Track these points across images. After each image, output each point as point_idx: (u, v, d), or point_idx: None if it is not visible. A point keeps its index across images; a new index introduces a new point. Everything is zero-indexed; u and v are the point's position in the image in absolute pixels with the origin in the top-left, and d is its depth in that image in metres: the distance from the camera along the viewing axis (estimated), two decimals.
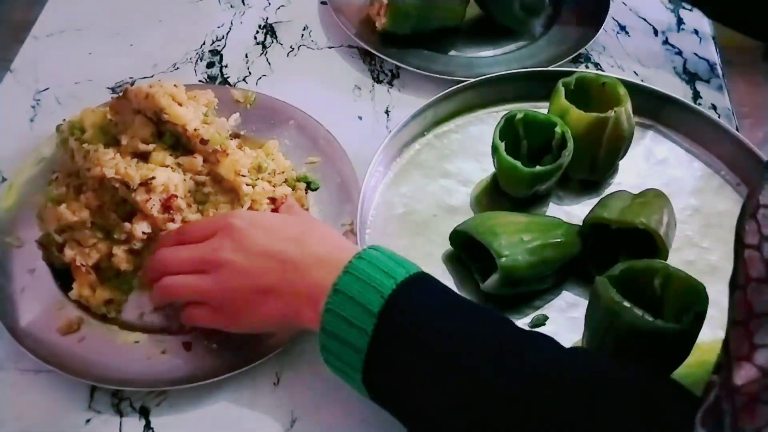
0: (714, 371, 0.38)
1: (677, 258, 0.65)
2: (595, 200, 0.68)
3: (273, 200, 0.66)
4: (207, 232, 0.58)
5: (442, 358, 0.47)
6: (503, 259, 0.60)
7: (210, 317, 0.57)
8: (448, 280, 0.65)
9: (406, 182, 0.73)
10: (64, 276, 0.64)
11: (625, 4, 0.96)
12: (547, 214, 0.70)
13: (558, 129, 0.67)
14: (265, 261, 0.54)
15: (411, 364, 0.47)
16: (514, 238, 0.62)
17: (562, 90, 0.69)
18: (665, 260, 0.60)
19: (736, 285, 0.39)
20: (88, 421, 0.59)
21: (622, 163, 0.74)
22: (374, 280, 0.49)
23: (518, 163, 0.66)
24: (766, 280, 0.37)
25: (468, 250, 0.65)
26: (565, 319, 0.63)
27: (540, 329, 0.63)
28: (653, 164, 0.75)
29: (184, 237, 0.60)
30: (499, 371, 0.45)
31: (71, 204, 0.63)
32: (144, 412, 0.59)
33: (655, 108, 0.77)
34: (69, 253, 0.63)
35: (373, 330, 0.47)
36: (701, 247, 0.68)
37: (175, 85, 0.66)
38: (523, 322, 0.63)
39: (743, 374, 0.36)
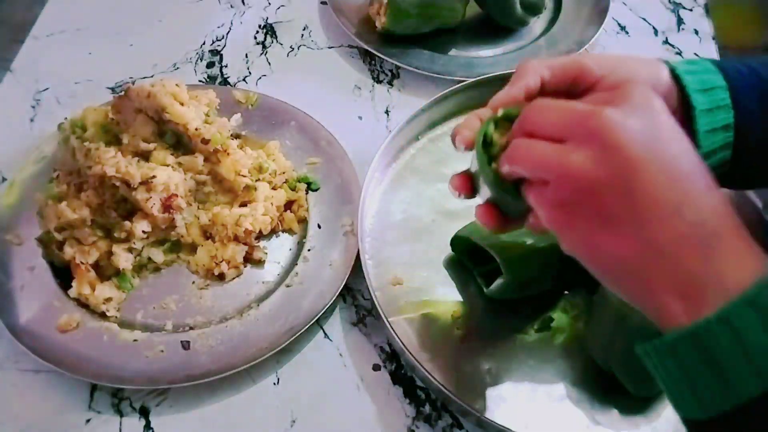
0: None
1: None
2: None
3: None
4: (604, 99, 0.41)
5: None
6: (508, 264, 0.60)
7: (543, 202, 0.41)
8: (450, 286, 0.65)
9: (404, 188, 0.73)
10: (63, 274, 0.65)
11: (625, 4, 0.96)
12: None
13: None
14: (663, 179, 0.37)
15: None
16: (516, 242, 0.62)
17: None
18: None
19: None
20: (88, 421, 0.59)
21: None
22: None
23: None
24: None
25: (470, 255, 0.65)
26: (570, 320, 0.63)
27: (546, 331, 0.63)
28: None
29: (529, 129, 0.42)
30: None
31: (72, 202, 0.63)
32: (144, 412, 0.59)
33: None
34: (69, 251, 0.63)
35: (747, 401, 0.34)
36: None
37: (177, 85, 0.66)
38: (528, 325, 0.63)
39: None
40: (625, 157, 0.37)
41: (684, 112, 0.49)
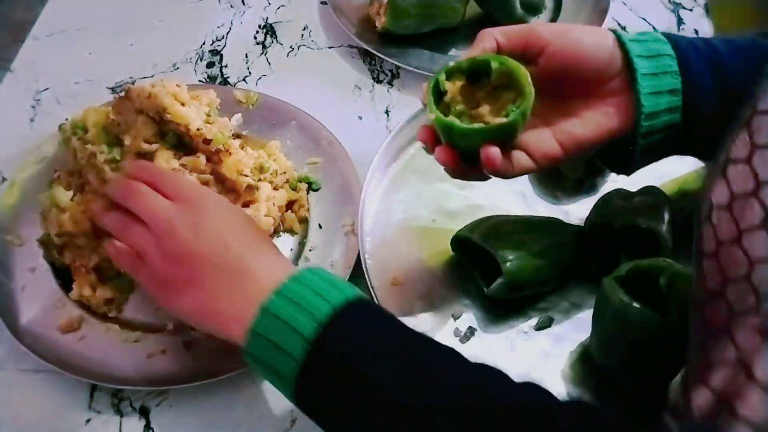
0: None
1: (677, 255, 0.65)
2: (592, 199, 0.68)
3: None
4: (175, 192, 0.56)
5: (375, 392, 0.44)
6: (508, 264, 0.60)
7: (145, 278, 0.55)
8: (450, 286, 0.65)
9: (404, 187, 0.73)
10: (64, 275, 0.65)
11: (625, 4, 0.96)
12: (545, 214, 0.70)
13: (494, 65, 0.51)
14: (210, 248, 0.52)
15: (344, 394, 0.45)
16: (516, 242, 0.62)
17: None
18: (668, 258, 0.60)
19: (697, 304, 0.37)
20: (88, 421, 0.59)
21: None
22: (309, 304, 0.46)
23: (454, 120, 0.51)
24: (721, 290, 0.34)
25: (469, 254, 0.65)
26: (570, 320, 0.63)
27: (546, 331, 0.63)
28: None
29: (153, 180, 0.57)
30: (435, 410, 0.42)
31: (74, 212, 0.63)
32: (144, 412, 0.59)
33: None
34: (68, 255, 0.63)
35: (305, 357, 0.45)
36: None
37: (177, 85, 0.66)
38: (528, 325, 0.63)
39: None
40: (182, 241, 0.53)
41: (629, 76, 0.54)
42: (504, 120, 0.50)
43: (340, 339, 0.45)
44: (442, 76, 0.52)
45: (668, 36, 0.56)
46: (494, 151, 0.50)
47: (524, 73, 0.51)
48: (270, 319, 0.47)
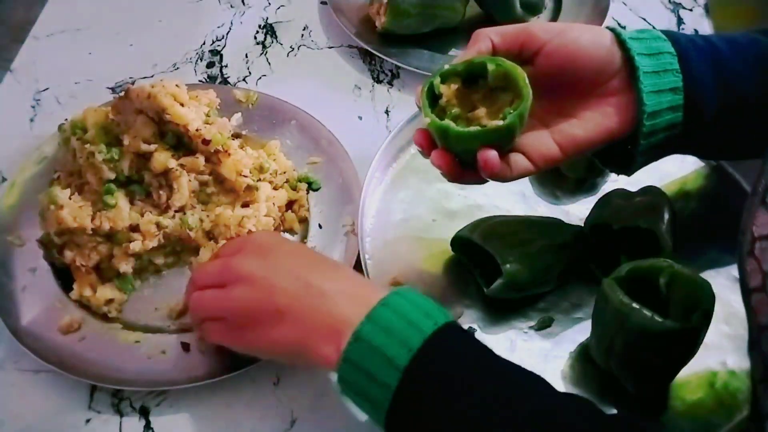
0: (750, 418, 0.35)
1: (677, 255, 0.65)
2: (592, 199, 0.69)
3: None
4: (235, 249, 0.56)
5: (467, 423, 0.43)
6: (508, 264, 0.60)
7: (222, 334, 0.54)
8: (450, 286, 0.66)
9: (404, 187, 0.73)
10: (65, 275, 0.64)
11: (625, 4, 0.96)
12: (545, 214, 0.70)
13: (491, 66, 0.51)
14: (288, 281, 0.51)
15: (434, 425, 0.44)
16: (516, 242, 0.62)
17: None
18: (668, 258, 0.60)
19: (752, 343, 0.35)
20: (88, 421, 0.59)
21: None
22: (401, 332, 0.45)
23: (450, 124, 0.50)
24: None
25: (470, 254, 0.65)
26: (570, 321, 0.63)
27: (546, 331, 0.63)
28: None
29: (216, 254, 0.59)
30: None
31: (73, 208, 0.62)
32: (144, 412, 0.59)
33: None
34: (69, 254, 0.63)
35: (397, 386, 0.44)
36: (701, 243, 0.68)
37: (177, 85, 0.66)
38: (528, 325, 0.63)
39: None
40: (258, 282, 0.51)
41: (629, 74, 0.53)
42: (501, 123, 0.49)
43: (431, 368, 0.45)
44: (437, 80, 0.52)
45: (667, 33, 0.55)
46: (491, 155, 0.49)
47: (521, 75, 0.50)
48: (362, 346, 0.46)
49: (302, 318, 0.49)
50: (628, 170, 0.58)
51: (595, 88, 0.54)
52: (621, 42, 0.53)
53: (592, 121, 0.54)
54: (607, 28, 0.55)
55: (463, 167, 0.52)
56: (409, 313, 0.46)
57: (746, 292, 0.36)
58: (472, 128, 0.50)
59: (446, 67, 0.52)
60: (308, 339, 0.49)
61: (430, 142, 0.52)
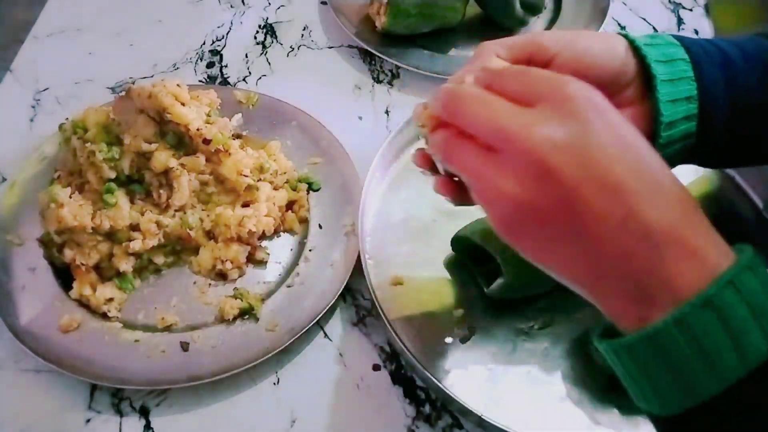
0: None
1: None
2: None
3: None
4: (529, 89, 0.39)
5: None
6: (508, 265, 0.60)
7: (494, 218, 0.40)
8: (451, 286, 0.65)
9: (405, 187, 0.73)
10: (65, 274, 0.65)
11: (625, 4, 0.96)
12: None
13: None
14: (607, 200, 0.35)
15: None
16: None
17: None
18: None
19: None
20: (88, 421, 0.59)
21: None
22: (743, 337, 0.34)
23: None
24: None
25: (470, 255, 0.65)
26: (570, 321, 0.63)
27: (546, 331, 0.63)
28: None
29: (489, 82, 0.41)
30: None
31: (73, 207, 0.63)
32: (144, 412, 0.59)
33: None
34: (69, 253, 0.63)
35: (714, 396, 0.34)
36: None
37: (178, 85, 0.66)
38: (529, 325, 0.63)
39: None
40: (561, 182, 0.36)
41: (644, 83, 0.50)
42: None
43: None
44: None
45: (678, 38, 0.53)
46: None
47: None
48: (710, 317, 0.33)
49: (604, 256, 0.36)
50: None
51: (610, 98, 0.47)
52: (635, 49, 0.51)
53: None
54: (619, 33, 0.53)
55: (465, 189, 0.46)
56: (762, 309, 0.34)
57: None
58: None
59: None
60: (603, 285, 0.37)
61: (431, 163, 0.49)
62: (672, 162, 0.53)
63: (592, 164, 0.36)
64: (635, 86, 0.51)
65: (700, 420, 0.35)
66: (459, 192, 0.47)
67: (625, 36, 0.51)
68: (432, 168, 0.49)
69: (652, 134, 0.51)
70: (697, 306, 0.34)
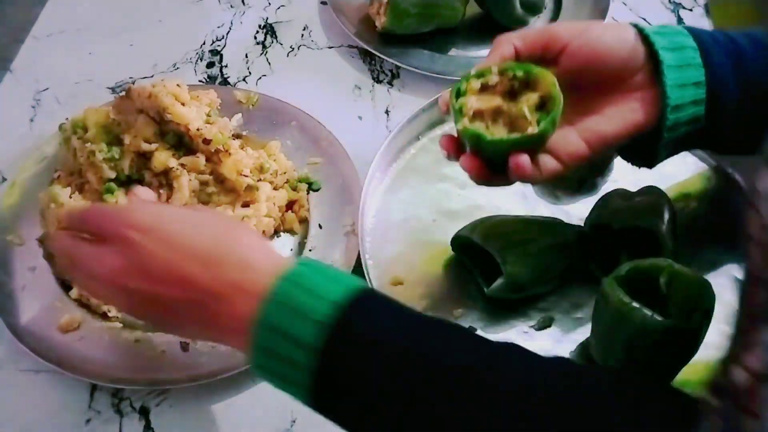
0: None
1: (677, 254, 0.65)
2: (592, 199, 0.68)
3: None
4: (102, 231, 0.48)
5: (397, 394, 0.40)
6: (508, 265, 0.60)
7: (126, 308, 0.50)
8: (451, 286, 0.66)
9: (404, 187, 0.73)
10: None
11: (625, 4, 0.96)
12: (545, 214, 0.70)
13: (519, 73, 0.52)
14: (171, 288, 0.45)
15: (365, 399, 0.41)
16: (516, 242, 0.62)
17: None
18: (668, 258, 0.60)
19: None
20: (88, 421, 0.59)
21: (618, 160, 0.73)
22: (309, 307, 0.41)
23: (482, 131, 0.51)
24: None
25: (470, 254, 0.65)
26: (570, 320, 0.63)
27: (546, 331, 0.63)
28: None
29: (79, 225, 0.50)
30: (460, 401, 0.40)
31: (72, 207, 0.62)
32: (144, 412, 0.59)
33: None
34: None
35: (318, 367, 0.41)
36: (701, 243, 0.68)
37: (178, 85, 0.66)
38: (528, 325, 0.63)
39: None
40: (138, 291, 0.46)
41: (652, 69, 0.54)
42: (535, 130, 0.50)
43: (350, 344, 0.41)
44: (464, 84, 0.52)
45: (688, 28, 0.55)
46: (524, 160, 0.50)
47: (552, 81, 0.51)
48: (271, 334, 0.42)
49: (200, 324, 0.46)
50: (651, 163, 0.59)
51: (619, 84, 0.54)
52: (644, 37, 0.54)
53: (618, 117, 0.54)
54: (630, 23, 0.55)
55: (491, 169, 0.52)
56: (316, 283, 0.42)
57: (745, 239, 0.36)
58: (506, 136, 0.50)
59: (472, 72, 0.52)
60: (215, 338, 0.49)
61: (457, 146, 0.53)
62: (682, 145, 0.57)
63: (150, 271, 0.45)
64: (644, 72, 0.54)
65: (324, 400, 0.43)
66: (483, 170, 0.51)
67: (635, 26, 0.54)
68: (456, 152, 0.53)
69: (659, 118, 0.54)
70: (258, 328, 0.42)
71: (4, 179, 0.74)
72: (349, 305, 0.42)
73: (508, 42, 0.53)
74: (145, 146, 0.64)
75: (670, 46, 0.53)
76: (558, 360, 0.47)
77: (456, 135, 0.53)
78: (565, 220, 0.68)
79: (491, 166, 0.51)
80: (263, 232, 0.67)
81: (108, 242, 0.47)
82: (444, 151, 0.53)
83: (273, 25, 0.92)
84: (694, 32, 0.55)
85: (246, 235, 0.48)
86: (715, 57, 0.54)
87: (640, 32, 0.54)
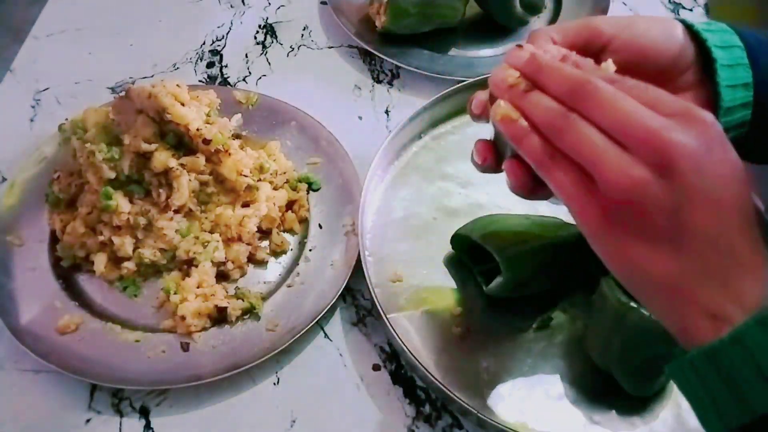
0: None
1: None
2: None
3: None
4: (663, 103, 0.39)
5: None
6: (507, 264, 0.60)
7: (590, 204, 0.40)
8: (450, 284, 0.66)
9: (405, 185, 0.73)
10: (64, 274, 0.65)
11: (625, 4, 0.96)
12: (546, 214, 0.70)
13: None
14: (710, 216, 0.37)
15: None
16: (516, 241, 0.62)
17: None
18: None
19: None
20: (88, 421, 0.59)
21: None
22: None
23: None
24: None
25: (470, 253, 0.65)
26: (569, 320, 0.63)
27: (545, 331, 0.63)
28: None
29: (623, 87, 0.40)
30: None
31: (76, 235, 0.64)
32: (144, 412, 0.59)
33: None
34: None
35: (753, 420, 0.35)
36: None
37: (177, 85, 0.66)
38: (528, 324, 0.63)
39: None
40: (681, 183, 0.37)
41: (702, 68, 0.50)
42: None
43: None
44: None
45: (731, 26, 0.52)
46: None
47: None
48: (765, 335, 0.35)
49: (692, 265, 0.38)
50: None
51: (666, 83, 0.47)
52: (693, 33, 0.50)
53: None
54: (676, 18, 0.51)
55: (535, 179, 0.45)
56: None
57: None
58: None
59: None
60: (682, 295, 0.38)
61: (495, 153, 0.48)
62: None
63: (710, 181, 0.37)
64: (693, 71, 0.50)
65: None
66: (528, 179, 0.45)
67: (682, 21, 0.50)
68: (495, 159, 0.48)
69: None
70: (753, 325, 0.35)
71: (4, 179, 0.74)
72: None
73: (546, 37, 0.47)
74: (145, 146, 0.64)
75: (721, 43, 0.50)
76: None
77: (490, 143, 0.48)
78: (565, 219, 0.68)
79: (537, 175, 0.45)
80: (263, 231, 0.67)
81: (676, 119, 0.38)
82: (479, 157, 0.48)
83: (273, 25, 0.92)
84: (738, 30, 0.51)
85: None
86: (761, 58, 0.50)
87: (689, 28, 0.50)
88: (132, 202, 0.65)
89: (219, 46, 0.89)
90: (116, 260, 0.65)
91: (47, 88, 0.83)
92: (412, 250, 0.68)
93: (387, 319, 0.60)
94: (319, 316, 0.61)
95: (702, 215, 0.37)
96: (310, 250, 0.68)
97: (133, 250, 0.64)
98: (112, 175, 0.64)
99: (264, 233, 0.69)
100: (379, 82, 0.85)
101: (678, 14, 0.95)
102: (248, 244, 0.66)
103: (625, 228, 0.39)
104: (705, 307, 0.37)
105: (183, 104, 0.65)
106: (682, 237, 0.37)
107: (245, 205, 0.68)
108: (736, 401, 0.36)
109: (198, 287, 0.63)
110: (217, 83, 0.84)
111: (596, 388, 0.59)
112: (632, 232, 0.38)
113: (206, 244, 0.64)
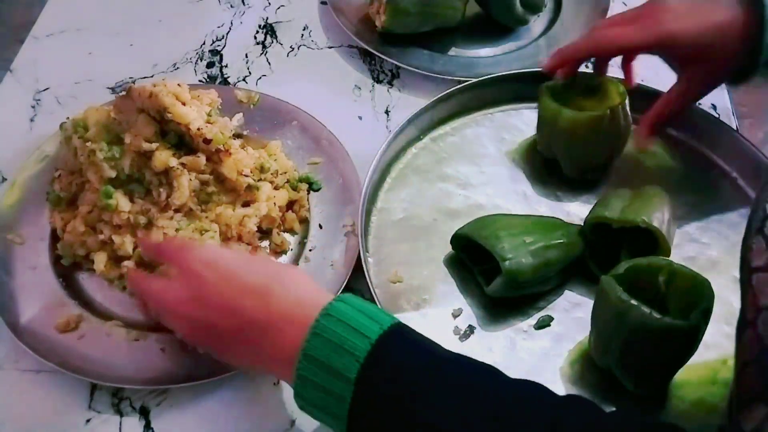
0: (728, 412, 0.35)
1: (677, 254, 0.65)
2: (593, 199, 0.69)
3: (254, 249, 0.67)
4: (172, 262, 0.55)
5: (425, 425, 0.43)
6: (507, 262, 0.60)
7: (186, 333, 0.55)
8: (450, 284, 0.66)
9: (405, 187, 0.73)
10: (65, 274, 0.65)
11: (625, 5, 0.96)
12: (546, 214, 0.70)
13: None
14: (226, 318, 0.50)
15: (395, 429, 0.44)
16: (516, 241, 0.62)
17: (546, 92, 0.70)
18: (667, 257, 0.60)
19: (745, 322, 0.35)
20: (88, 421, 0.59)
21: (619, 160, 0.74)
22: (346, 342, 0.45)
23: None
24: None
25: (470, 253, 0.65)
26: (570, 319, 0.63)
27: (546, 330, 0.63)
28: (650, 160, 0.75)
29: (156, 256, 0.60)
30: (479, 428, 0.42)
31: (67, 216, 0.64)
32: (144, 412, 0.59)
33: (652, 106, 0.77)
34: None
35: (352, 398, 0.44)
36: (701, 243, 0.68)
37: (178, 85, 0.66)
38: (528, 324, 0.63)
39: (755, 416, 0.32)
40: (203, 322, 0.51)
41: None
42: None
43: (381, 376, 0.45)
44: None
45: None
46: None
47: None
48: (312, 363, 0.46)
49: (250, 352, 0.50)
50: (747, 79, 0.67)
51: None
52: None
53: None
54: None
55: None
56: (354, 319, 0.46)
57: (747, 270, 0.35)
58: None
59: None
60: (263, 367, 0.52)
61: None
62: None
63: (209, 302, 0.51)
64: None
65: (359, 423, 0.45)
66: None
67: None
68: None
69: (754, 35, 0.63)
70: (301, 357, 0.46)
71: (4, 179, 0.74)
72: (382, 340, 0.46)
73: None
74: (146, 146, 0.64)
75: None
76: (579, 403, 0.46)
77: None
78: (566, 219, 0.68)
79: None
80: (263, 231, 0.67)
81: (175, 275, 0.53)
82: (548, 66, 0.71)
83: (273, 25, 0.92)
84: None
85: (294, 274, 0.53)
86: None
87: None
88: (132, 201, 0.65)
89: (219, 46, 0.89)
90: (116, 259, 0.64)
91: (47, 88, 0.83)
92: (412, 251, 0.68)
93: None
94: None
95: (226, 322, 0.51)
96: (310, 251, 0.68)
97: (133, 249, 0.64)
98: (113, 174, 0.64)
99: (264, 233, 0.69)
100: (379, 82, 0.85)
101: None
102: (248, 243, 0.66)
103: (209, 342, 0.53)
104: (279, 366, 0.49)
105: (184, 104, 0.65)
106: (223, 349, 0.52)
107: (245, 204, 0.68)
108: (332, 399, 0.45)
109: None
110: (217, 83, 0.84)
111: (597, 387, 0.59)
112: (216, 344, 0.53)
113: (204, 232, 0.64)
